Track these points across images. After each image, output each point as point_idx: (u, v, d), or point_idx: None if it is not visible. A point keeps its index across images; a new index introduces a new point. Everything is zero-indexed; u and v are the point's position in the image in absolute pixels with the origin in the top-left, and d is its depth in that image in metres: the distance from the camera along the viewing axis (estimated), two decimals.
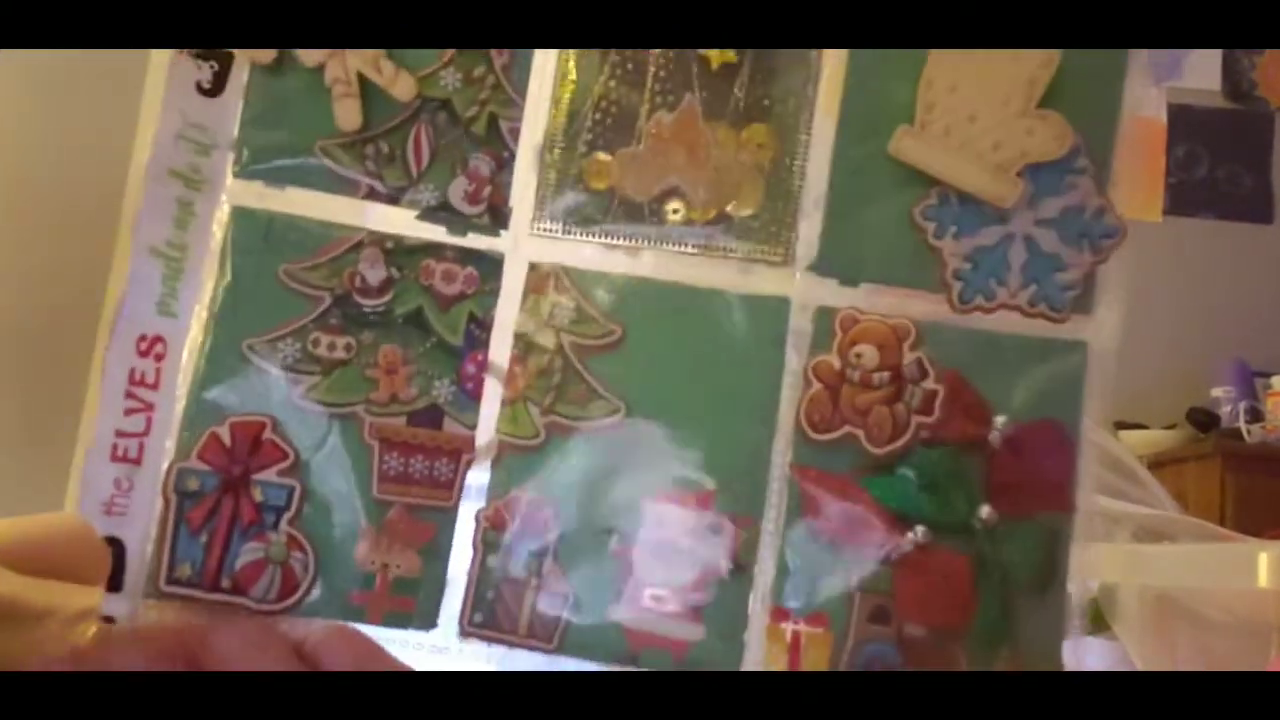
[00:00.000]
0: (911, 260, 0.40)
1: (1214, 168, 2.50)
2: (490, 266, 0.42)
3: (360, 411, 0.41)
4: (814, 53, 0.41)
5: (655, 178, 0.41)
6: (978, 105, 0.40)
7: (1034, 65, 0.39)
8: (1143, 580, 0.67)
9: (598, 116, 0.42)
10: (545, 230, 0.42)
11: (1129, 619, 0.67)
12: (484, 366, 0.41)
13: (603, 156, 0.42)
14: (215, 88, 0.41)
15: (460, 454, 0.41)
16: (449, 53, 0.42)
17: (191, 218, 0.41)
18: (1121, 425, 2.29)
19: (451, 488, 0.41)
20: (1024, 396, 0.40)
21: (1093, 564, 0.73)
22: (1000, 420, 0.39)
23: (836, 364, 0.40)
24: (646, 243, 0.41)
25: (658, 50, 0.41)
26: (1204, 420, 2.32)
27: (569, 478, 0.40)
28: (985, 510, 0.39)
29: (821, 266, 0.41)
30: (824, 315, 0.40)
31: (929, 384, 0.39)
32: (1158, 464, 2.14)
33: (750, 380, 0.40)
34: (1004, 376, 0.40)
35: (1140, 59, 0.41)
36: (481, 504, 0.40)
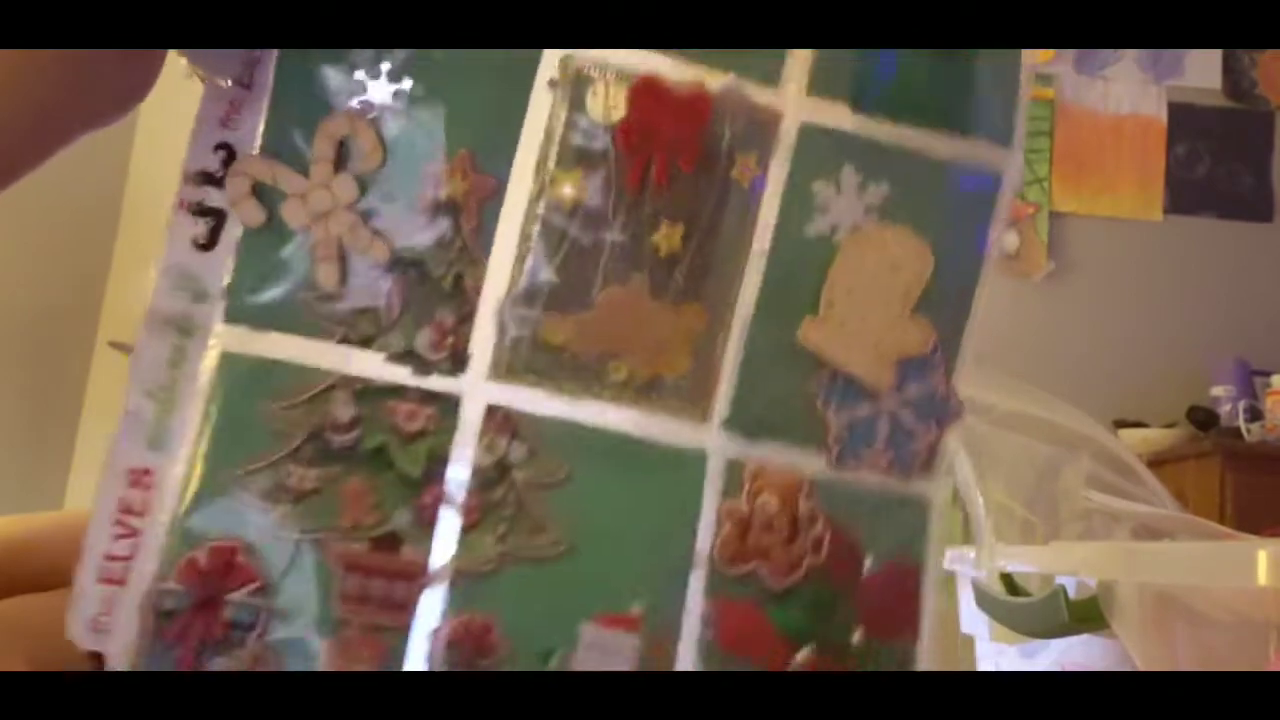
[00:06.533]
0: (805, 424, 0.49)
1: (1214, 166, 2.51)
2: (449, 407, 0.47)
3: (325, 537, 0.45)
4: (744, 253, 0.49)
5: (603, 341, 0.48)
6: (868, 306, 0.49)
7: (909, 277, 0.50)
8: (1141, 578, 0.66)
9: (556, 283, 0.48)
10: (501, 377, 0.47)
11: (1128, 617, 0.67)
12: (440, 498, 0.46)
13: (557, 317, 0.48)
14: (209, 243, 0.44)
15: (416, 578, 0.46)
16: (422, 219, 0.46)
17: (183, 361, 0.43)
18: (1121, 424, 2.24)
19: (406, 608, 0.45)
20: (885, 542, 0.50)
21: (1091, 562, 0.77)
22: (869, 561, 0.49)
23: (744, 509, 0.48)
24: (591, 395, 0.48)
25: (613, 235, 0.48)
26: (1204, 419, 2.27)
27: (516, 602, 0.46)
28: (858, 634, 0.48)
29: (732, 424, 0.49)
30: (734, 467, 0.48)
31: (818, 529, 0.48)
32: (1158, 462, 2.07)
33: (675, 520, 0.48)
34: (870, 525, 0.49)
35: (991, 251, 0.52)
36: (435, 624, 0.45)
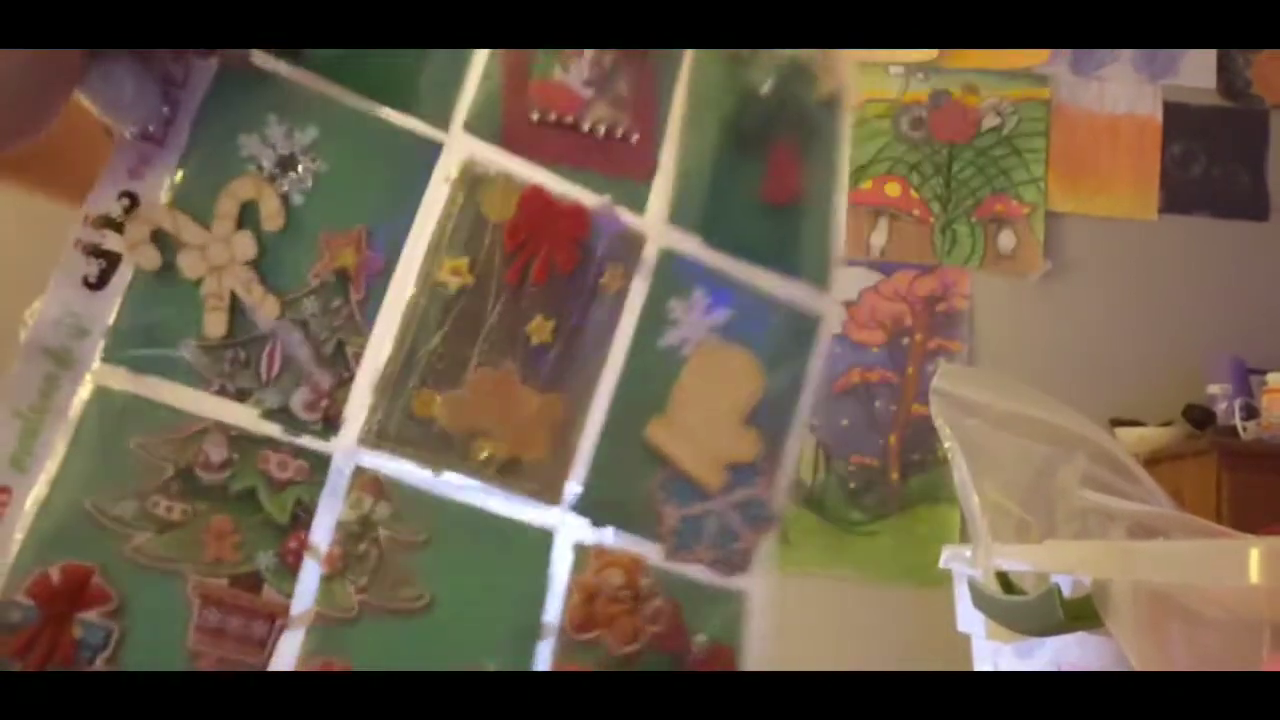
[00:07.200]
0: (644, 516, 0.54)
1: (1210, 166, 2.47)
2: (320, 463, 0.49)
3: (186, 570, 0.45)
4: (605, 354, 0.55)
5: (471, 419, 0.52)
6: (706, 414, 0.56)
7: (743, 393, 0.57)
8: (1136, 577, 0.65)
9: (432, 360, 0.52)
10: (371, 442, 0.50)
11: (1122, 615, 0.66)
12: (305, 545, 0.47)
13: (430, 393, 0.52)
14: (100, 283, 0.46)
15: (275, 618, 0.46)
16: (314, 283, 0.50)
17: (56, 390, 0.45)
18: (1118, 422, 2.21)
19: (264, 647, 0.45)
20: (709, 626, 0.54)
21: (1086, 561, 0.72)
22: (699, 640, 0.53)
23: (592, 582, 0.52)
24: (454, 469, 0.51)
25: (492, 319, 0.53)
26: (1200, 417, 2.22)
27: (374, 650, 0.47)
28: None
29: (581, 508, 0.53)
30: (582, 548, 0.53)
31: (657, 603, 0.52)
32: (1154, 461, 2.05)
33: (528, 590, 0.51)
34: (696, 609, 0.54)
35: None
36: (293, 665, 0.46)
